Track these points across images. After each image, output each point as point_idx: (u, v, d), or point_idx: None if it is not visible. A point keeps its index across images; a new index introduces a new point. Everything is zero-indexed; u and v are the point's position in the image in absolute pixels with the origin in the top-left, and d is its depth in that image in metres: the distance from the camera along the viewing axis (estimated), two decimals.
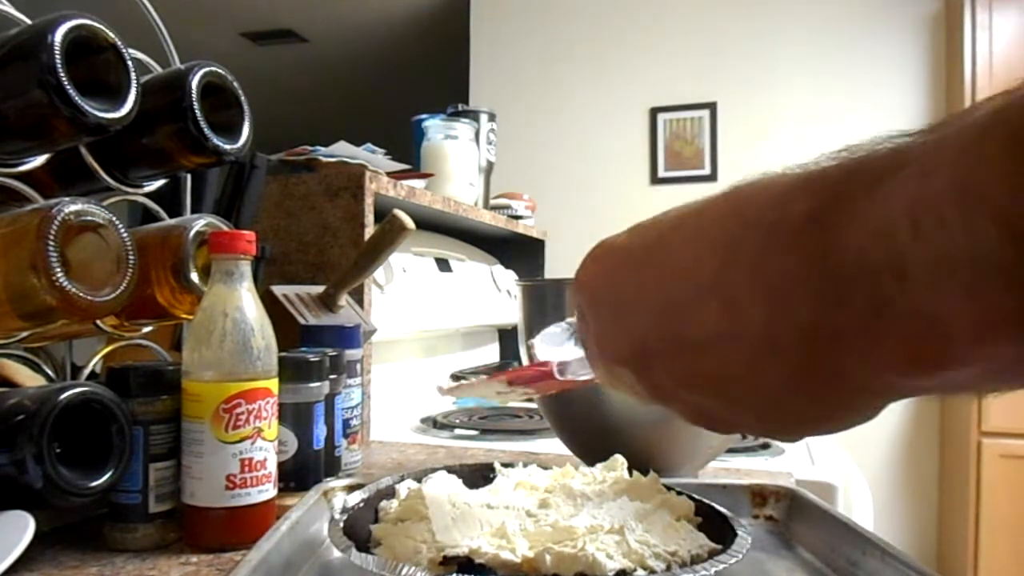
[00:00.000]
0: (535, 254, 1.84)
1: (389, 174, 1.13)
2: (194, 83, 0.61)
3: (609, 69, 2.75)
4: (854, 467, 1.14)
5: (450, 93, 2.30)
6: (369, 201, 1.00)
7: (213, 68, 0.63)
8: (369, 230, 0.99)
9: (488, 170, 1.60)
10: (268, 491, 0.57)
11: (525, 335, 0.75)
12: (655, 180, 2.69)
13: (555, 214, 2.43)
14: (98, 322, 0.62)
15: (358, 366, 0.78)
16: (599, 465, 0.58)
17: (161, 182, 0.70)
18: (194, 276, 0.62)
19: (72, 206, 0.50)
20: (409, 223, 0.80)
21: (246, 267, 0.57)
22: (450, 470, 0.56)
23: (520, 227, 1.71)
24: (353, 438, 0.76)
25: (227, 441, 0.54)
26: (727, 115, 2.63)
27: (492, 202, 1.68)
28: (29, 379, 0.62)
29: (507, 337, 1.75)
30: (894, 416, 2.39)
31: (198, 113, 0.61)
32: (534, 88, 2.83)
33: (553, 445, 0.89)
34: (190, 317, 0.60)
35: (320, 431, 0.66)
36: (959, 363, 0.22)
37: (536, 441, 1.00)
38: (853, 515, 0.83)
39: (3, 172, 0.57)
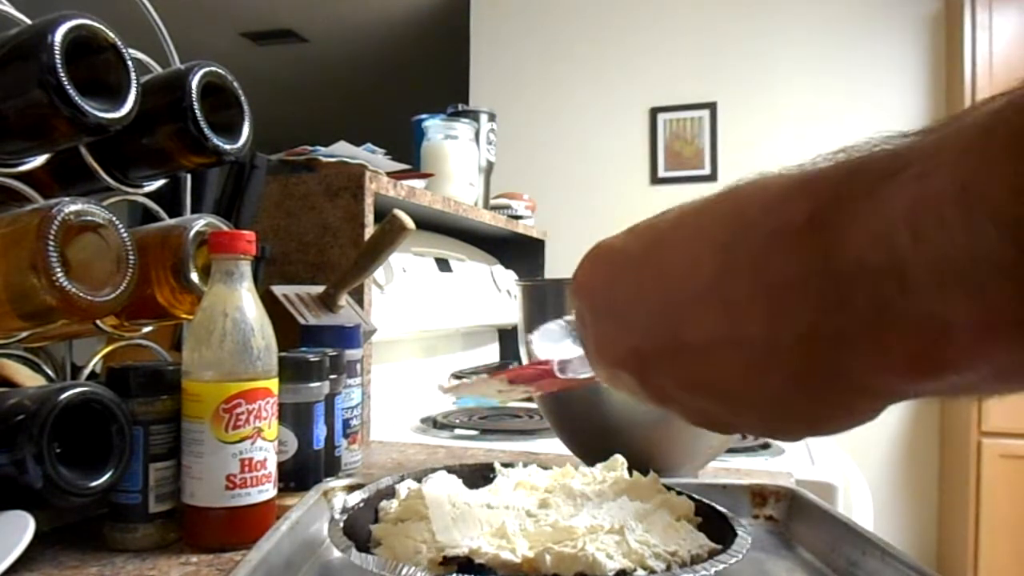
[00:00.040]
0: (535, 254, 1.84)
1: (389, 174, 1.12)
2: (194, 83, 0.61)
3: (609, 69, 2.75)
4: (854, 467, 1.14)
5: (450, 93, 2.30)
6: (369, 201, 1.00)
7: (213, 68, 0.63)
8: (369, 230, 0.99)
9: (488, 170, 1.60)
10: (268, 491, 0.57)
11: (525, 335, 0.75)
12: (655, 180, 2.70)
13: (555, 214, 2.43)
14: (98, 322, 0.62)
15: (358, 366, 0.78)
16: (599, 465, 0.58)
17: (161, 182, 0.70)
18: (194, 276, 0.62)
19: (72, 206, 0.50)
20: (409, 223, 0.80)
21: (246, 267, 0.57)
22: (450, 470, 0.56)
23: (520, 227, 1.71)
24: (353, 438, 0.76)
25: (227, 441, 0.54)
26: (727, 115, 2.63)
27: (492, 202, 1.68)
28: (29, 379, 0.62)
29: (507, 337, 1.75)
30: (894, 416, 2.39)
31: (198, 113, 0.61)
32: (534, 88, 2.83)
33: (553, 445, 0.89)
34: (190, 317, 0.60)
35: (320, 431, 0.66)
36: (960, 365, 0.22)
37: (536, 441, 1.00)
38: (853, 515, 0.82)
39: (3, 172, 0.57)
